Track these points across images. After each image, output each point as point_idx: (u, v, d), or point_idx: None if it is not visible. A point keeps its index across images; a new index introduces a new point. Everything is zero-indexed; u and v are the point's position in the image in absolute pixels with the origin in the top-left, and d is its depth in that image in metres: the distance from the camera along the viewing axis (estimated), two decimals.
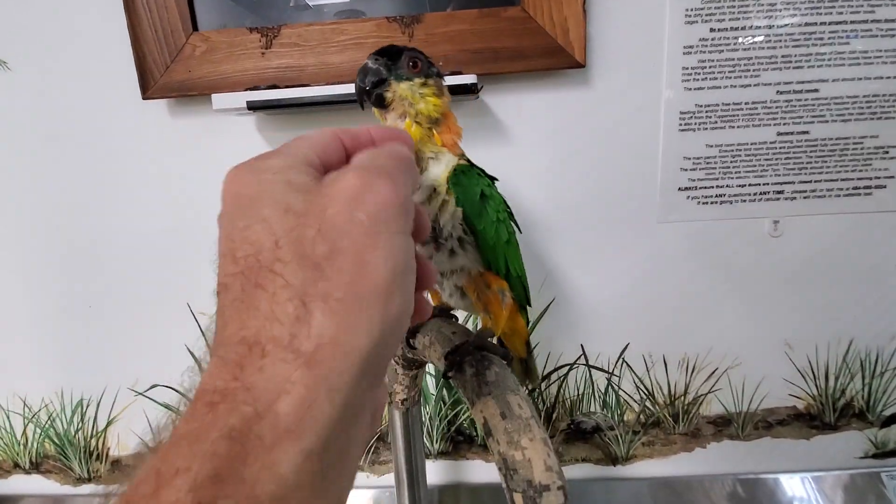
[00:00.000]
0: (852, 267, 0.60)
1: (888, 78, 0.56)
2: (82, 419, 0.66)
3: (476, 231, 0.35)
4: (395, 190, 0.19)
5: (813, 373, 0.63)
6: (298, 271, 0.17)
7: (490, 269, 0.37)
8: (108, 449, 0.67)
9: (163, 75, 0.55)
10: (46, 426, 0.67)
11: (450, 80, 0.50)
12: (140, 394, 0.65)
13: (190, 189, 0.60)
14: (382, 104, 0.35)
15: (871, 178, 0.58)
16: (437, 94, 0.36)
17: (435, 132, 0.36)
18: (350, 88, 0.51)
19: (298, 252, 0.17)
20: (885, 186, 0.58)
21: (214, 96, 0.51)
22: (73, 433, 0.67)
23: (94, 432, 0.67)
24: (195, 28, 0.55)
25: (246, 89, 0.54)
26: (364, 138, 0.23)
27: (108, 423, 0.66)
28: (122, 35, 0.54)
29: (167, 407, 0.65)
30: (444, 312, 0.43)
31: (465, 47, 0.54)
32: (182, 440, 0.15)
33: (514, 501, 0.28)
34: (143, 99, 0.55)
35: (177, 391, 0.65)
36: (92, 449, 0.67)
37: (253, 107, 0.50)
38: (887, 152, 0.58)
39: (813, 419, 0.64)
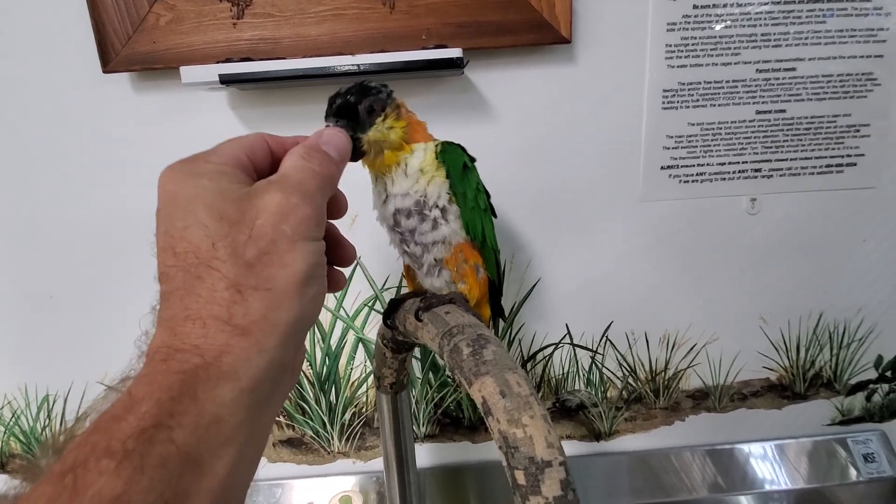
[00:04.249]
0: (823, 242, 0.63)
1: (861, 57, 0.57)
2: (49, 415, 0.63)
3: (458, 195, 0.39)
4: (313, 206, 0.25)
5: (785, 345, 0.65)
6: (232, 268, 0.22)
7: (468, 238, 0.41)
8: None
9: (125, 47, 0.51)
10: (11, 424, 0.63)
11: (434, 54, 0.49)
12: (110, 387, 0.62)
13: (157, 170, 0.56)
14: (360, 155, 0.37)
15: (843, 156, 0.60)
16: (397, 117, 0.39)
17: (405, 144, 0.39)
18: (329, 62, 0.49)
19: (233, 253, 0.22)
20: (855, 164, 0.60)
21: (183, 69, 0.48)
22: (40, 430, 0.63)
23: (63, 428, 0.63)
24: None
25: (217, 62, 0.51)
26: (289, 142, 0.28)
27: (78, 419, 0.63)
28: (80, 2, 0.50)
29: None
30: (418, 296, 0.43)
31: (448, 20, 0.52)
32: (143, 379, 0.20)
33: (517, 479, 0.28)
34: (104, 72, 0.51)
35: None
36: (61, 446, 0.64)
37: (226, 80, 0.47)
38: (858, 130, 0.59)
39: (784, 389, 0.67)
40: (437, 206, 0.39)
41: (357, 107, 0.36)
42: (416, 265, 0.43)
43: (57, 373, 0.62)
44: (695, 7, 0.55)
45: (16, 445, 0.64)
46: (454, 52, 0.48)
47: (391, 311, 0.43)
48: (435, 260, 0.41)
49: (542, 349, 0.64)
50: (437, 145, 0.40)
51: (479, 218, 0.41)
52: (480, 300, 0.44)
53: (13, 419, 0.63)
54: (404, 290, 0.61)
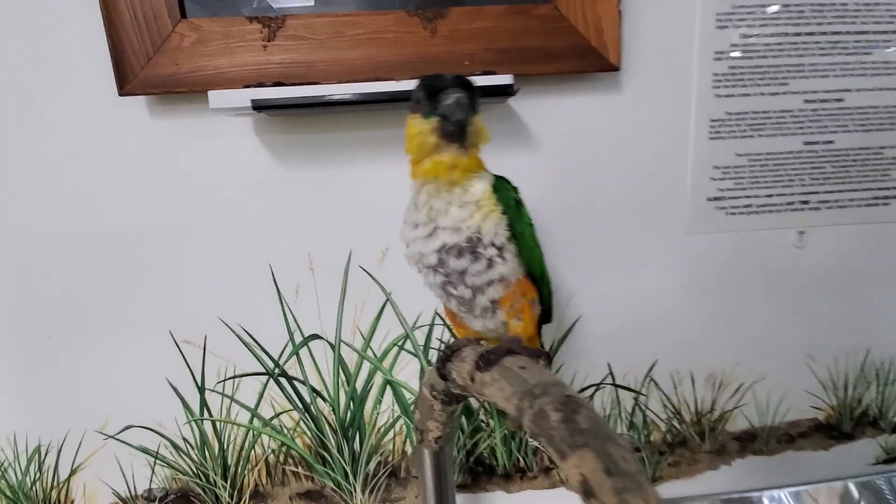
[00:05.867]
0: (870, 277, 0.60)
1: None
2: (40, 468, 0.56)
3: (516, 234, 0.37)
4: None
5: (833, 383, 0.63)
6: None
7: (527, 275, 0.39)
8: (73, 501, 0.57)
9: (144, 68, 0.47)
10: None
11: (483, 81, 0.46)
12: (111, 437, 0.56)
13: (174, 199, 0.52)
14: (461, 138, 0.35)
15: (889, 189, 0.58)
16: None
17: (479, 159, 0.37)
18: (369, 88, 0.46)
19: None
20: None
21: (211, 94, 0.44)
22: (30, 485, 0.57)
23: (55, 483, 0.57)
24: (183, 15, 0.47)
25: (244, 86, 0.47)
26: None
27: (72, 472, 0.57)
28: (96, 20, 0.46)
29: (144, 451, 0.56)
30: (471, 343, 0.39)
31: (491, 46, 0.49)
32: None
33: None
34: (120, 95, 0.47)
35: (156, 432, 0.56)
36: (53, 502, 0.57)
37: (259, 106, 0.43)
38: None
39: (832, 429, 0.64)
40: (494, 245, 0.36)
41: (474, 87, 0.35)
42: (463, 308, 0.39)
43: (51, 421, 0.56)
44: (742, 36, 0.53)
45: (2, 502, 0.57)
46: (505, 79, 0.45)
47: (445, 360, 0.39)
48: (490, 302, 0.38)
49: (582, 390, 0.60)
50: (494, 179, 0.38)
51: (538, 252, 0.39)
52: (533, 336, 0.41)
53: None
54: (438, 324, 0.57)
